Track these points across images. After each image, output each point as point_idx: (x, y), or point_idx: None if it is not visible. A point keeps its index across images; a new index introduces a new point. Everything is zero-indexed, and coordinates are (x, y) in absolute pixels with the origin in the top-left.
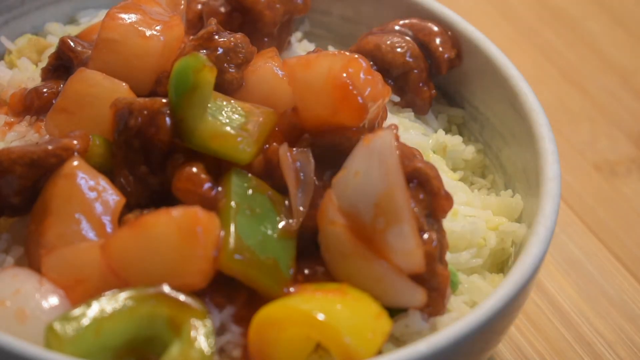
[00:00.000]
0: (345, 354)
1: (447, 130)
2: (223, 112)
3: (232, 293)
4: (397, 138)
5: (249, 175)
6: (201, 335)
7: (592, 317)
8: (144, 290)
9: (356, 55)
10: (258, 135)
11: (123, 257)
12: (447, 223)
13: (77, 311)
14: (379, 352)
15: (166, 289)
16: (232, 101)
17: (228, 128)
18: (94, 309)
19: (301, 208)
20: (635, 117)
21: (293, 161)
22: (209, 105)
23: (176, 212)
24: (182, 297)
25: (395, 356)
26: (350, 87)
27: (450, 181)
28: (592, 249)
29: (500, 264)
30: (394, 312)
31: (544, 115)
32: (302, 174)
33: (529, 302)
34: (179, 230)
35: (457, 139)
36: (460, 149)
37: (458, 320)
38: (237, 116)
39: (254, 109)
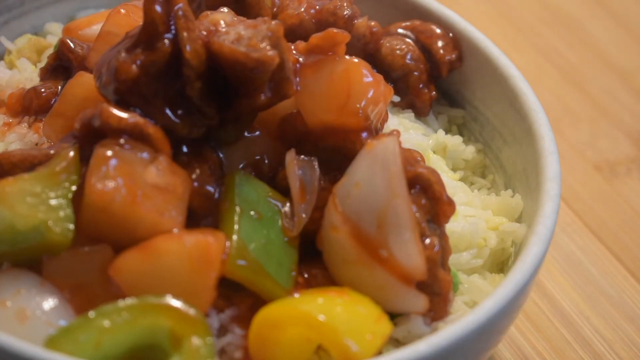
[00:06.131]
0: (344, 355)
1: (447, 131)
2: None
3: (235, 296)
4: (399, 144)
5: (252, 177)
6: (201, 356)
7: (592, 317)
8: (145, 300)
9: (356, 60)
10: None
11: (130, 279)
12: (448, 224)
13: (75, 324)
14: (379, 354)
15: (168, 299)
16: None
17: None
18: (94, 321)
19: (303, 215)
20: (635, 117)
21: (298, 168)
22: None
23: (188, 240)
24: (184, 309)
25: (395, 356)
26: (351, 93)
27: (450, 181)
28: (592, 249)
29: (500, 264)
30: (395, 314)
31: (544, 115)
32: (306, 183)
33: (529, 302)
34: (190, 260)
35: (457, 139)
36: (460, 149)
37: (458, 320)
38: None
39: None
